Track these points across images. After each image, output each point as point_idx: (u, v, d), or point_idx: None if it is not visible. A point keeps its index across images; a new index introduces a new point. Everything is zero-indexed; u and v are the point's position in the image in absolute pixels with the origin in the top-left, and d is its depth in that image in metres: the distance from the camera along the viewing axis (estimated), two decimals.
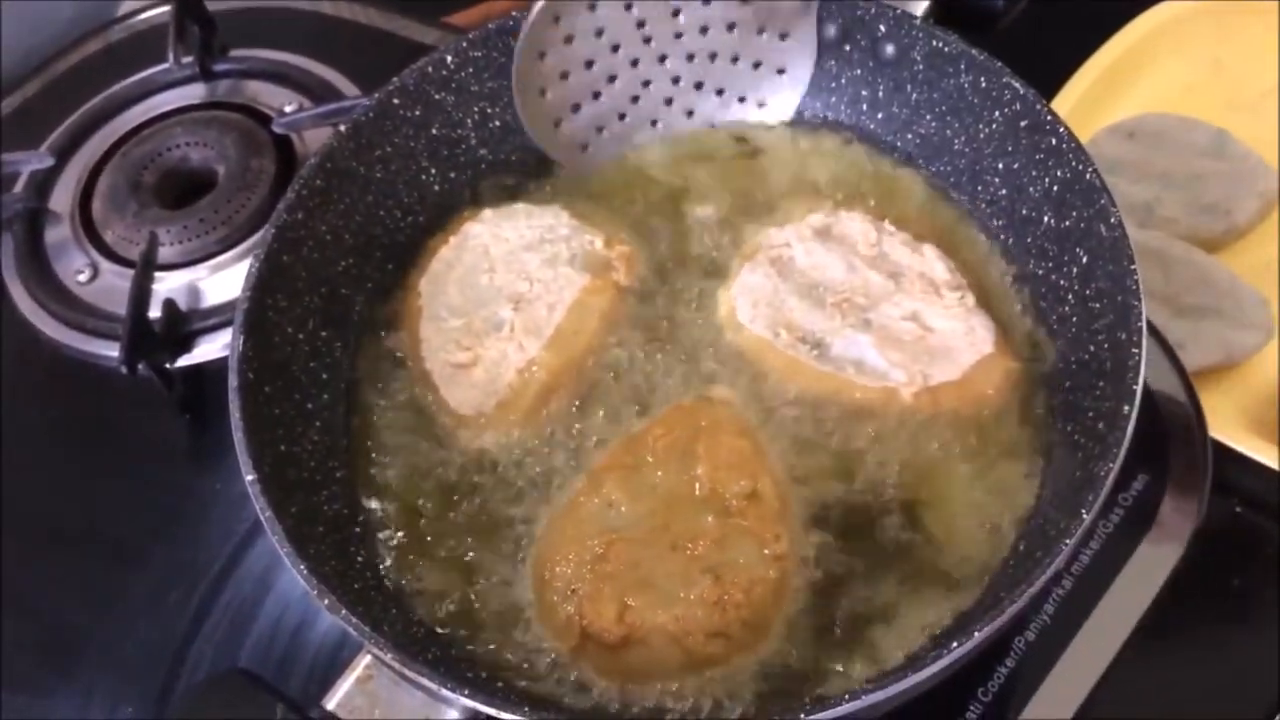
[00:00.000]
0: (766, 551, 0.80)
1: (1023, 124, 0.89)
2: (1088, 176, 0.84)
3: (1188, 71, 1.30)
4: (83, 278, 1.19)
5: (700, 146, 1.01)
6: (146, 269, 1.13)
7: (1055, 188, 0.87)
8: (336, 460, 0.88)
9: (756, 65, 1.00)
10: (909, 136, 0.98)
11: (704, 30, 0.98)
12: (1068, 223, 0.86)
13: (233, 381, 0.81)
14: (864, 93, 0.99)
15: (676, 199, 0.99)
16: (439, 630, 0.81)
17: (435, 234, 0.98)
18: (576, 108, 0.99)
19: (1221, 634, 0.97)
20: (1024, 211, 0.91)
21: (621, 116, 1.01)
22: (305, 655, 0.99)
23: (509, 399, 0.88)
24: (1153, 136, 1.21)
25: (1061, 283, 0.87)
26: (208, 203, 1.20)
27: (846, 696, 0.68)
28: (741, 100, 1.01)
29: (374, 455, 0.89)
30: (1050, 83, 1.24)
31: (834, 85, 1.00)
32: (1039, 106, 0.88)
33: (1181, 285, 1.11)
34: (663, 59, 1.00)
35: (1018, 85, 0.89)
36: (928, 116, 0.96)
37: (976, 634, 0.69)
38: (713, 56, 1.00)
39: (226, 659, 0.99)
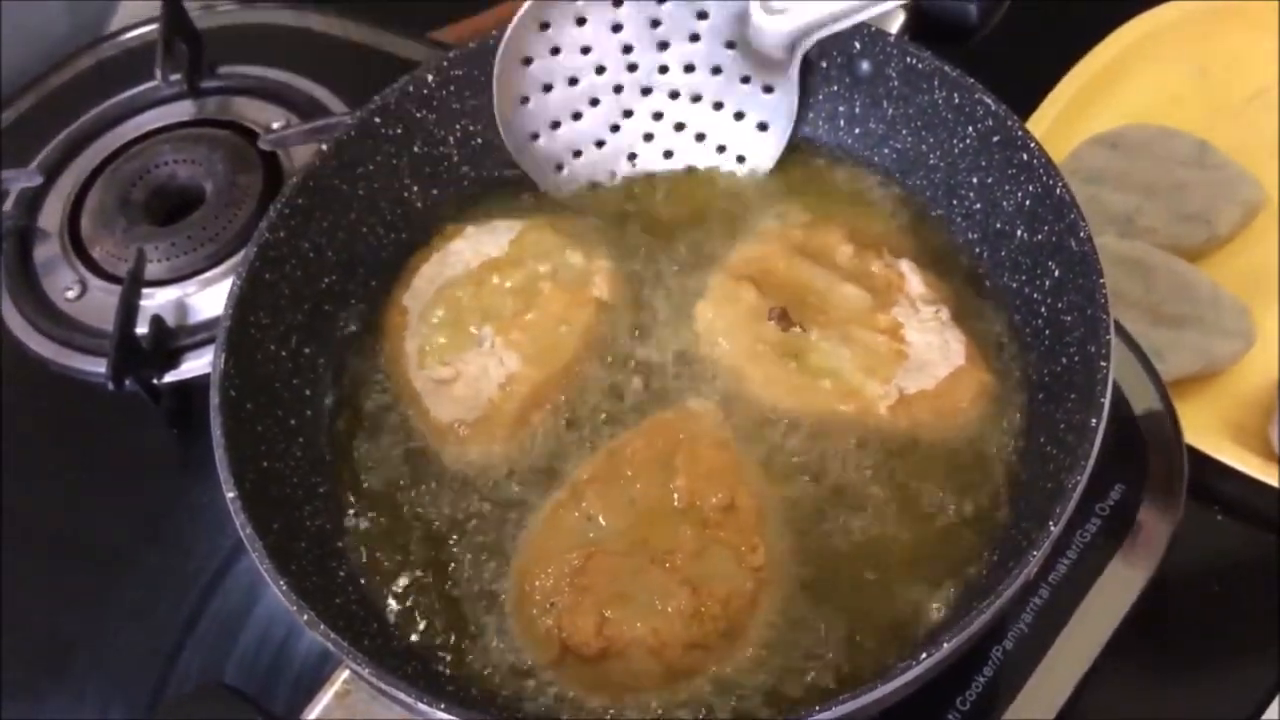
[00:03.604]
0: (744, 563, 0.81)
1: (995, 139, 0.90)
2: (1058, 191, 0.84)
3: (1170, 80, 1.30)
4: (71, 294, 1.20)
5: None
6: (134, 285, 1.14)
7: (1027, 202, 0.88)
8: (319, 476, 0.88)
9: (739, 116, 1.00)
10: (885, 151, 0.99)
11: (689, 69, 0.99)
12: (1039, 237, 0.87)
13: (214, 399, 0.82)
14: (840, 108, 1.00)
15: (656, 215, 1.00)
16: (419, 644, 0.81)
17: (418, 250, 0.98)
18: (556, 125, 1.00)
19: (1200, 642, 0.98)
20: (998, 226, 0.92)
21: (600, 144, 1.01)
22: (291, 666, 0.99)
23: (490, 414, 0.89)
24: (1135, 147, 1.22)
25: (1034, 296, 0.88)
26: (195, 219, 1.21)
27: (817, 708, 0.68)
28: (721, 150, 1.01)
29: (357, 470, 0.89)
30: (1033, 94, 1.25)
31: (810, 101, 1.00)
32: (1010, 122, 0.88)
33: (1162, 294, 1.11)
34: (646, 91, 1.00)
35: (989, 101, 0.89)
36: (903, 132, 0.97)
37: (945, 644, 0.69)
38: (696, 98, 1.00)
39: (214, 669, 1.00)
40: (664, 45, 0.98)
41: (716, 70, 0.99)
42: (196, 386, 1.13)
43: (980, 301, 0.93)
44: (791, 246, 0.94)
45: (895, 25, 0.99)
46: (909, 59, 0.94)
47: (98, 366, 1.12)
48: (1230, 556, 1.02)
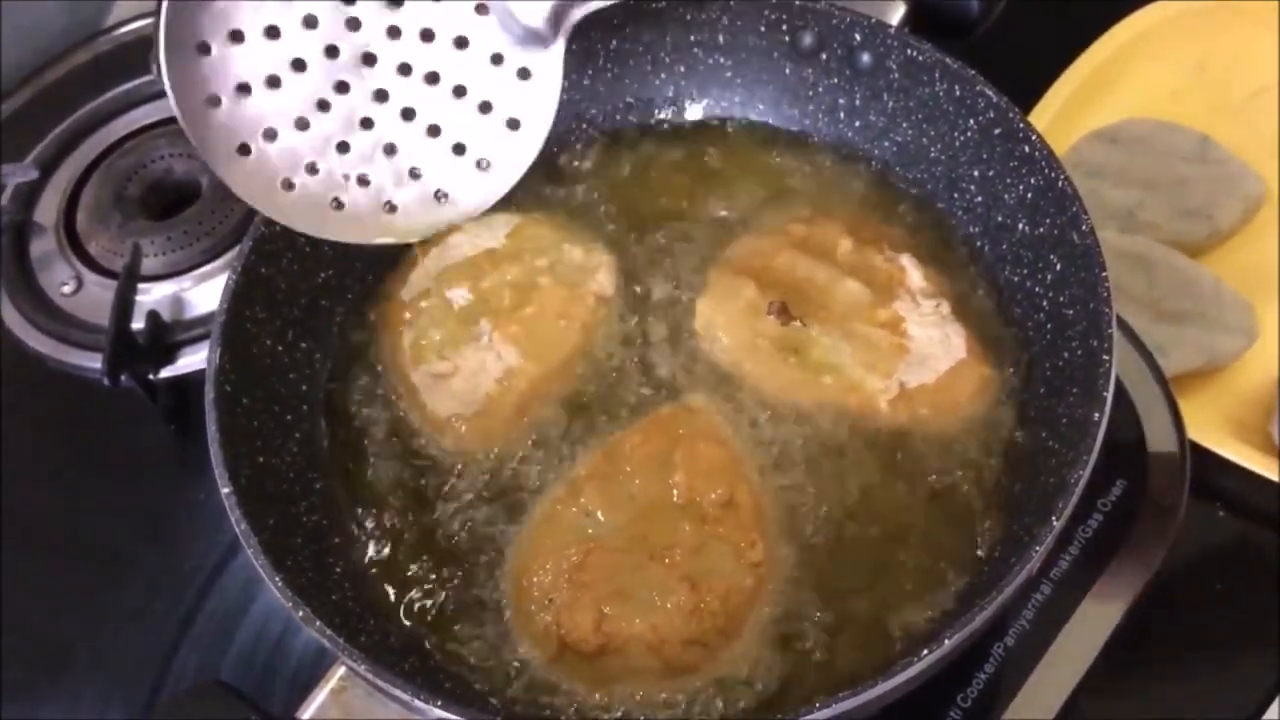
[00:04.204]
0: (743, 559, 0.80)
1: (996, 132, 0.90)
2: (1060, 184, 0.84)
3: (1171, 76, 1.30)
4: (67, 289, 1.19)
5: (675, 157, 1.01)
6: (129, 280, 1.13)
7: (1029, 195, 0.88)
8: (316, 471, 0.88)
9: (485, 107, 0.84)
10: (886, 144, 0.99)
11: (426, 36, 0.82)
12: (1041, 230, 0.87)
13: (209, 394, 0.81)
14: (841, 101, 0.99)
15: (655, 211, 0.99)
16: (416, 640, 0.81)
17: (415, 244, 0.97)
18: (271, 135, 0.81)
19: (1203, 639, 0.97)
20: (999, 219, 0.91)
21: (313, 169, 0.83)
22: (289, 663, 0.99)
23: (488, 408, 0.88)
24: (1135, 142, 1.22)
25: (1036, 290, 0.88)
26: (191, 214, 1.21)
27: (818, 705, 0.68)
28: (459, 151, 0.86)
29: (354, 466, 0.89)
30: (1033, 90, 1.25)
31: (810, 94, 1.00)
32: (1012, 114, 0.88)
33: (1164, 290, 1.11)
34: (370, 60, 0.83)
35: (991, 93, 0.89)
36: (904, 125, 0.97)
37: (947, 641, 0.69)
38: (432, 78, 0.83)
39: (211, 667, 1.00)
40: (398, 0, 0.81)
41: (462, 43, 0.83)
42: (193, 382, 1.12)
43: (981, 295, 0.92)
44: (791, 241, 0.94)
45: (895, 18, 0.99)
46: (910, 51, 0.93)
47: (94, 362, 1.12)
48: (1231, 553, 1.02)
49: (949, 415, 0.86)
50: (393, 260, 0.97)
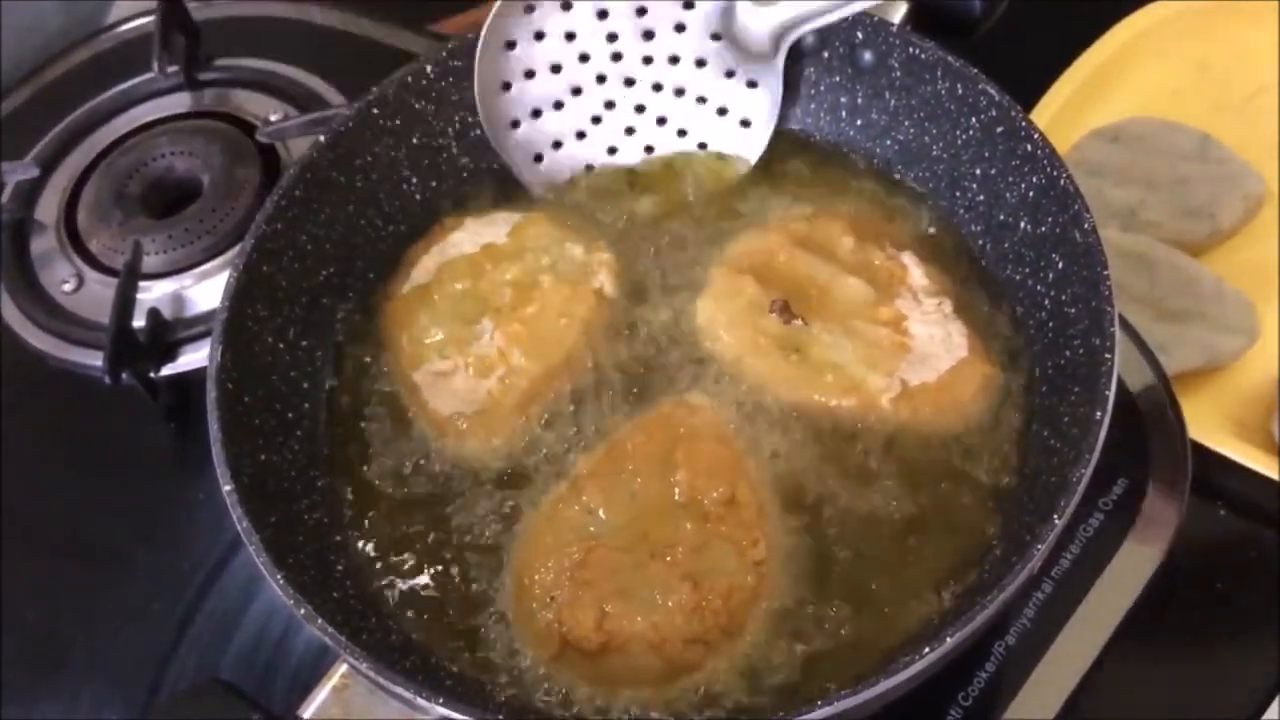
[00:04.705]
0: (745, 557, 0.80)
1: (999, 130, 0.90)
2: (1062, 182, 0.84)
3: (1173, 75, 1.30)
4: (68, 287, 1.19)
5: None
6: (130, 278, 1.13)
7: (1031, 194, 0.88)
8: (318, 469, 0.88)
9: (722, 111, 1.00)
10: (888, 143, 0.99)
11: (673, 60, 0.98)
12: (1043, 228, 0.87)
13: (211, 393, 0.81)
14: (843, 99, 0.99)
15: (655, 207, 0.99)
16: (417, 638, 0.81)
17: (417, 243, 0.98)
18: (537, 113, 0.99)
19: (1204, 638, 0.97)
20: (1001, 217, 0.91)
21: (580, 135, 1.01)
22: (290, 662, 0.99)
23: (490, 407, 0.88)
24: (1137, 140, 1.21)
25: (1038, 288, 0.88)
26: (193, 212, 1.21)
27: (819, 703, 0.68)
28: (702, 146, 1.01)
29: (355, 464, 0.89)
30: (1035, 87, 1.25)
31: (812, 93, 1.00)
32: (1014, 113, 0.88)
33: (1165, 289, 1.11)
34: (630, 82, 0.99)
35: (993, 92, 0.89)
36: (906, 123, 0.97)
37: (949, 639, 0.69)
38: (679, 92, 1.00)
39: (210, 666, 1.00)
40: (649, 35, 0.97)
41: (701, 63, 0.98)
42: (194, 381, 1.12)
43: (983, 294, 0.92)
44: (793, 239, 0.94)
45: (897, 17, 0.99)
46: (912, 49, 0.93)
47: (95, 360, 1.12)
48: (1233, 552, 1.02)
49: (950, 413, 0.86)
50: (394, 259, 0.97)
